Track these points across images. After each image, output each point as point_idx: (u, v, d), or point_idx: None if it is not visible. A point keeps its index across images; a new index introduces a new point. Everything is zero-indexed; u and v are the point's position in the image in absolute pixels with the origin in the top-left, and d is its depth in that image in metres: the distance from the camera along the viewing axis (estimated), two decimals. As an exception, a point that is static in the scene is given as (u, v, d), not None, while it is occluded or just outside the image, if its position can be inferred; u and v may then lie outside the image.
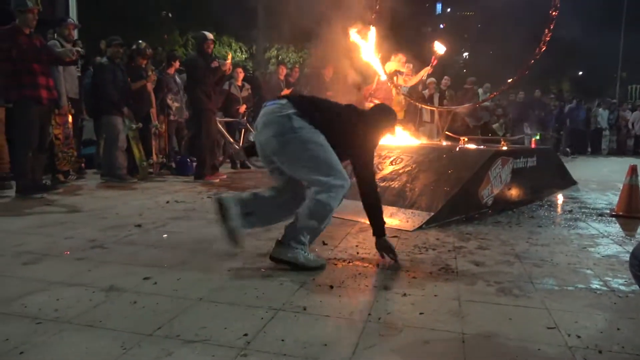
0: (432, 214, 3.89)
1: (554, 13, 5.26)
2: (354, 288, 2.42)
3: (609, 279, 2.62)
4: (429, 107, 7.34)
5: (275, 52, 18.97)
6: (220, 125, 7.34)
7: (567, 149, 13.40)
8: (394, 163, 4.84)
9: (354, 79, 7.13)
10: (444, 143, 5.85)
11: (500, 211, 4.47)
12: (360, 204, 4.27)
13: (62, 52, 5.30)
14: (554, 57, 18.81)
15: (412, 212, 3.98)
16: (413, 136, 5.95)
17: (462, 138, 5.61)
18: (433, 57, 6.54)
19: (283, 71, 9.16)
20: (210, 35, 6.51)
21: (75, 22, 6.97)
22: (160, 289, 2.35)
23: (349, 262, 2.85)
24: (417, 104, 7.17)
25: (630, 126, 15.20)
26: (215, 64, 6.47)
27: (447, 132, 5.95)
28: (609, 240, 3.53)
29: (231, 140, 7.75)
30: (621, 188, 4.61)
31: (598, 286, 2.51)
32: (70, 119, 6.11)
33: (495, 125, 11.43)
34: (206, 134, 6.44)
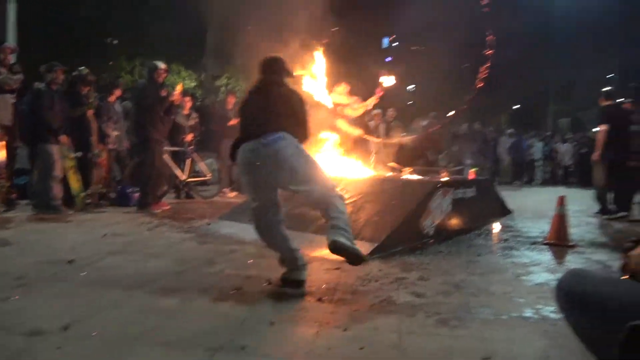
0: (376, 244, 3.94)
1: (488, 52, 5.59)
2: (295, 324, 2.39)
3: (541, 307, 2.74)
4: (374, 139, 7.53)
5: (225, 80, 18.89)
6: (166, 155, 7.18)
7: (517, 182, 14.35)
8: (339, 194, 4.88)
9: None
10: (388, 174, 5.99)
11: (441, 241, 4.59)
12: (305, 235, 4.29)
13: (1, 79, 5.04)
14: (493, 92, 19.88)
15: (356, 243, 3.99)
16: (359, 167, 6.05)
17: (404, 169, 5.77)
18: (378, 88, 6.71)
19: (231, 100, 9.10)
20: (162, 65, 6.42)
21: (13, 45, 6.68)
22: (90, 331, 2.21)
23: (291, 297, 2.81)
24: (363, 135, 7.33)
25: (561, 157, 16.20)
26: (164, 92, 6.37)
27: (391, 164, 6.11)
28: (540, 269, 3.69)
29: (177, 170, 7.57)
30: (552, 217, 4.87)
31: (531, 314, 2.62)
32: (2, 147, 5.78)
33: (440, 157, 11.85)
34: (151, 163, 6.26)
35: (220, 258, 3.75)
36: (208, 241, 4.42)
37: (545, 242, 4.70)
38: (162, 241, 4.36)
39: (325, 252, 3.86)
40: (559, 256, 4.21)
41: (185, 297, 2.74)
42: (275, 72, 3.23)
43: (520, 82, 27.06)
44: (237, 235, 4.54)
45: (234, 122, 8.41)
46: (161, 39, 15.89)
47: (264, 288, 2.94)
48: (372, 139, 7.51)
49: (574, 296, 1.52)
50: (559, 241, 4.61)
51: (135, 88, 6.98)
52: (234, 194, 8.41)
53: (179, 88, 6.70)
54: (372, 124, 9.41)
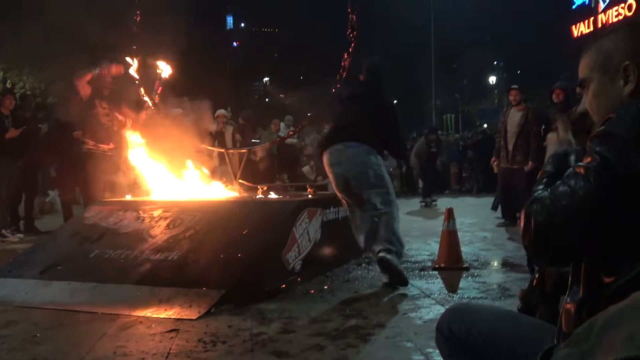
0: (224, 291, 3.83)
1: (352, 34, 5.86)
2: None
3: (431, 350, 2.87)
4: (216, 149, 7.40)
5: (1, 74, 17.27)
6: None
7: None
8: (171, 226, 4.71)
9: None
10: (236, 195, 5.94)
11: (311, 277, 4.65)
12: (123, 287, 4.04)
13: None
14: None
15: (196, 293, 3.86)
16: (196, 187, 5.90)
17: (260, 187, 5.76)
18: (157, 82, 6.61)
19: (9, 103, 8.25)
20: None
21: None
22: None
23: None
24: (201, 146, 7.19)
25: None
26: None
27: (240, 181, 6.03)
28: (430, 301, 3.92)
29: None
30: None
31: (419, 362, 2.73)
32: None
33: (305, 169, 12.15)
34: None
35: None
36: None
37: (435, 266, 5.03)
38: None
39: (153, 310, 3.68)
40: (451, 283, 4.52)
41: None
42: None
43: (398, 73, 29.48)
44: (19, 299, 4.08)
45: (12, 134, 7.71)
46: None
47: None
48: (214, 149, 7.39)
49: (455, 341, 1.57)
50: (450, 264, 4.96)
51: None
52: (17, 237, 7.63)
53: None
54: (213, 127, 9.28)
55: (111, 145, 7.12)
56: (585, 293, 1.29)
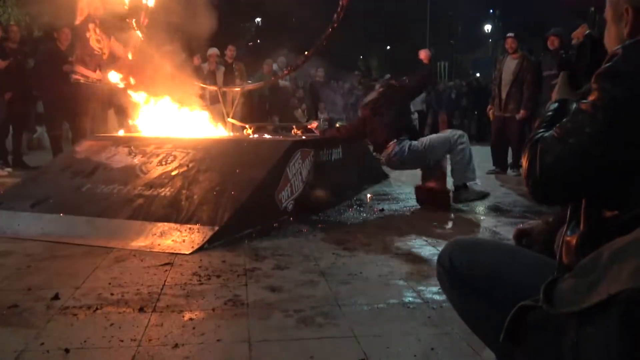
0: (217, 228, 3.86)
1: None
2: (102, 347, 2.20)
3: (423, 288, 2.93)
4: (209, 87, 7.31)
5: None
6: None
7: None
8: (163, 163, 4.69)
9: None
10: (229, 133, 5.91)
11: (303, 217, 4.67)
12: (114, 222, 4.05)
13: None
14: (358, 29, 20.83)
15: (189, 228, 3.88)
16: (189, 125, 5.85)
17: (247, 126, 5.72)
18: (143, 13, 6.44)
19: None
20: None
21: None
22: None
23: (97, 310, 2.60)
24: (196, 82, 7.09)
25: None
26: None
27: (231, 120, 5.97)
28: (422, 242, 3.98)
29: None
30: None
31: (411, 299, 2.78)
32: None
33: (296, 112, 12.05)
34: None
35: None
36: (-36, 242, 3.90)
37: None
38: None
39: (147, 244, 3.69)
40: (442, 225, 4.58)
41: None
42: None
43: (393, 18, 29.05)
44: (11, 231, 4.08)
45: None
46: None
47: (51, 304, 2.66)
48: (207, 87, 7.29)
49: (456, 274, 1.58)
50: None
51: None
52: (5, 171, 7.57)
53: None
54: (205, 67, 9.15)
55: (100, 75, 6.98)
56: (586, 226, 1.29)
